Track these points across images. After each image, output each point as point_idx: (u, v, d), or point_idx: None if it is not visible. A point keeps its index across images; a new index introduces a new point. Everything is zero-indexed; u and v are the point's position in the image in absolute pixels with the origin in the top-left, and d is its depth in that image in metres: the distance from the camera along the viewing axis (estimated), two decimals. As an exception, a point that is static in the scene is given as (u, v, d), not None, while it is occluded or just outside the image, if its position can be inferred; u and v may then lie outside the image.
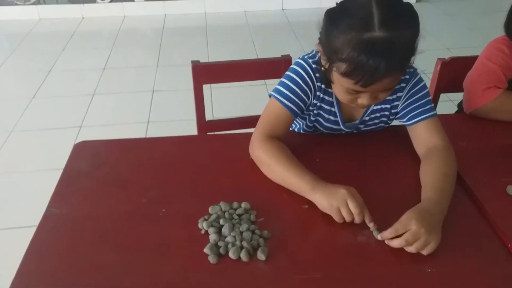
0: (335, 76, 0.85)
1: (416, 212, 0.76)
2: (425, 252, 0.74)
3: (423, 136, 0.96)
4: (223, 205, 0.83)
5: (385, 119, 1.03)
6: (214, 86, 2.44)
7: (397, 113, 1.01)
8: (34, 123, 2.29)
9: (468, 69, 1.20)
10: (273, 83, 1.05)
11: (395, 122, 1.07)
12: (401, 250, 0.76)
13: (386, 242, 0.76)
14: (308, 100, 0.97)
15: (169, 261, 0.74)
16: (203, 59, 1.30)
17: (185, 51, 3.09)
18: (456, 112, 1.42)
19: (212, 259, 0.74)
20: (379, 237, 0.76)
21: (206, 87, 1.30)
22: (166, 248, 0.76)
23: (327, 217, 0.82)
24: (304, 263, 0.74)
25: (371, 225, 0.80)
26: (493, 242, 0.78)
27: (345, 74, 0.81)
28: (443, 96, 1.42)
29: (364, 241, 0.78)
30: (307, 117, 1.02)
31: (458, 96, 1.39)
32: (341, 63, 0.80)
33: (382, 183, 0.92)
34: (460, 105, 1.40)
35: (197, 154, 0.99)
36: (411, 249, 0.74)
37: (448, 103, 2.02)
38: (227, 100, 2.41)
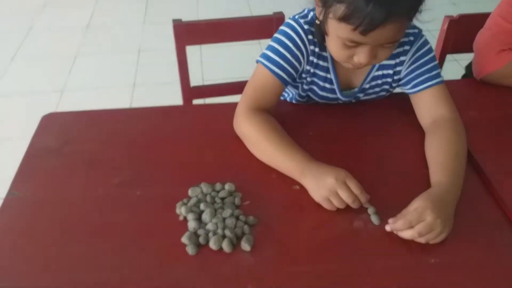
0: (331, 25, 0.74)
1: (430, 200, 0.67)
2: (433, 242, 0.67)
3: (429, 106, 0.86)
4: (204, 186, 0.75)
5: (387, 86, 0.92)
6: (205, 45, 2.30)
7: (400, 79, 0.90)
8: (12, 86, 2.17)
9: (479, 28, 1.08)
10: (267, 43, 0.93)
11: (397, 90, 0.96)
12: (401, 238, 0.68)
13: (394, 232, 0.68)
14: (300, 67, 0.86)
15: (142, 252, 0.66)
16: (192, 17, 1.17)
17: (174, 7, 2.90)
18: (463, 76, 1.30)
19: (190, 250, 0.66)
20: (388, 228, 0.68)
21: (195, 47, 1.17)
22: (139, 237, 0.68)
23: (320, 200, 0.73)
24: (293, 254, 0.66)
25: (369, 208, 0.71)
26: (503, 228, 0.70)
27: (342, 19, 0.70)
28: (448, 57, 1.31)
29: (360, 227, 0.70)
30: (300, 85, 0.91)
31: (466, 57, 1.27)
32: (339, 5, 0.70)
33: (383, 160, 0.83)
34: (468, 68, 1.28)
35: (177, 127, 0.89)
36: (420, 240, 0.66)
37: (453, 64, 1.89)
38: (220, 61, 2.27)
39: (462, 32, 1.24)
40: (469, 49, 1.28)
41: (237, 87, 1.25)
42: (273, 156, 0.78)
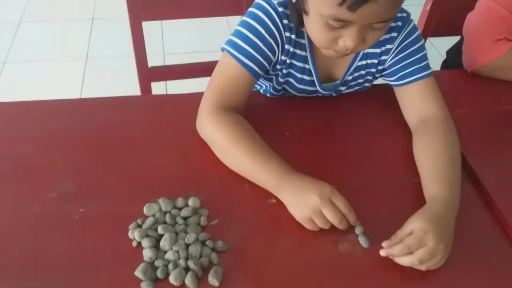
0: (312, 1, 0.62)
1: (430, 221, 0.58)
2: (434, 268, 0.58)
3: (416, 102, 0.76)
4: (163, 203, 0.62)
5: (370, 77, 0.81)
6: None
7: (383, 70, 0.80)
8: None
9: (464, 8, 0.98)
10: (236, 20, 0.79)
11: (379, 81, 0.86)
12: (394, 263, 0.59)
13: (390, 257, 0.59)
14: (274, 57, 0.73)
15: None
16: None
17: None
18: (443, 62, 1.22)
19: (146, 287, 0.54)
20: (382, 253, 0.58)
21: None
22: (81, 269, 0.55)
23: (300, 217, 0.63)
24: (271, 286, 0.56)
25: (357, 227, 0.62)
26: (504, 249, 0.63)
27: None
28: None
29: (347, 251, 0.60)
30: (274, 78, 0.79)
31: (446, 42, 1.18)
32: None
33: (369, 165, 0.73)
34: (449, 53, 1.20)
35: (131, 126, 0.75)
36: (420, 267, 0.57)
37: (431, 50, 1.82)
38: (183, 30, 2.08)
39: (445, 13, 1.14)
40: (452, 32, 1.20)
41: (203, 69, 1.11)
42: (244, 167, 0.66)
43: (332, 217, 0.59)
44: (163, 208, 0.62)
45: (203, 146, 0.71)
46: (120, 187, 0.65)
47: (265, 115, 0.79)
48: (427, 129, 0.73)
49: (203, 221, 0.61)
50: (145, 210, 0.61)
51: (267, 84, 0.82)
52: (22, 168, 0.66)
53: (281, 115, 0.79)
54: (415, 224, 0.58)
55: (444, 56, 1.22)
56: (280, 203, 0.64)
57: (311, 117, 0.80)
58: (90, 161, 0.68)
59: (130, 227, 0.60)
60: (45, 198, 0.63)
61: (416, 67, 0.76)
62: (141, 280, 0.54)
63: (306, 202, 0.60)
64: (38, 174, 0.66)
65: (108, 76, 1.84)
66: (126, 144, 0.71)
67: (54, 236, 0.59)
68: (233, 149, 0.66)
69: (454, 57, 1.14)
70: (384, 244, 0.59)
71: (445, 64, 1.20)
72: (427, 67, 0.77)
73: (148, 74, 1.09)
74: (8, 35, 2.04)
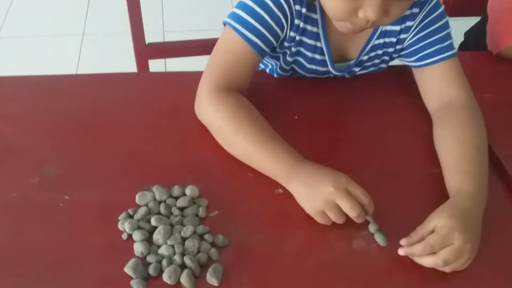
0: None
1: (456, 218, 0.52)
2: (459, 269, 0.52)
3: (438, 85, 0.69)
4: (157, 191, 0.56)
5: (387, 58, 0.74)
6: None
7: (402, 49, 0.72)
8: None
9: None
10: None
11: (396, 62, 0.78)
12: (413, 264, 0.53)
13: (410, 256, 0.52)
14: (282, 33, 0.66)
15: (70, 286, 0.48)
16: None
17: None
18: (461, 45, 1.14)
19: (136, 285, 0.48)
20: (401, 252, 0.52)
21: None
22: (65, 264, 0.49)
23: (310, 209, 0.57)
24: (275, 286, 0.50)
25: (371, 225, 0.55)
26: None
27: None
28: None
29: (362, 249, 0.54)
30: (281, 56, 0.71)
31: (464, 23, 1.11)
32: None
33: (385, 154, 0.66)
34: (468, 35, 1.12)
35: (124, 106, 0.68)
36: (445, 269, 0.51)
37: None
38: (183, 11, 1.99)
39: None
40: (472, 12, 1.12)
41: (205, 46, 1.02)
42: (249, 154, 0.59)
43: (349, 209, 0.53)
44: (158, 197, 0.55)
45: (204, 129, 0.64)
46: (110, 173, 0.59)
47: (271, 97, 0.72)
48: (449, 115, 0.66)
49: (201, 212, 0.55)
50: (137, 199, 0.55)
51: (274, 63, 0.75)
52: (1, 150, 0.60)
53: (289, 97, 0.72)
54: (439, 221, 0.52)
55: (462, 39, 1.14)
56: (288, 194, 0.58)
57: (321, 100, 0.73)
58: (78, 144, 0.62)
59: (120, 217, 0.53)
60: (26, 184, 0.56)
61: (439, 47, 0.68)
62: (131, 278, 0.48)
63: (318, 193, 0.54)
64: (19, 157, 0.59)
65: (105, 54, 1.76)
66: (118, 126, 0.65)
67: (35, 226, 0.53)
68: (236, 135, 0.59)
69: (473, 39, 1.06)
70: (403, 242, 0.53)
71: (463, 48, 1.13)
72: (450, 47, 0.69)
73: (145, 51, 1.01)
74: (1, 9, 1.95)
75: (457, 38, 1.16)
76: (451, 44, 0.70)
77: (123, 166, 0.60)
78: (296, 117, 0.69)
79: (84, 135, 0.63)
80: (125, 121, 0.65)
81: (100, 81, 0.72)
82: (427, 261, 0.51)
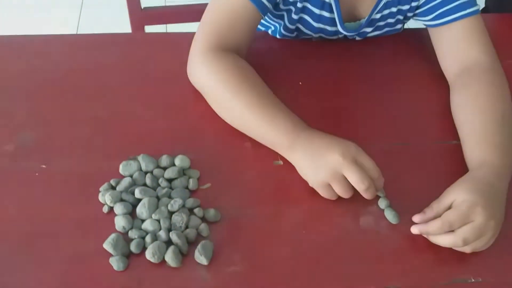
0: None
1: (478, 192, 0.46)
2: (481, 249, 0.46)
3: (458, 46, 0.62)
4: (143, 160, 0.50)
5: (401, 17, 0.67)
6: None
7: (417, 7, 0.65)
8: None
9: None
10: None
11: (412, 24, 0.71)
12: (427, 243, 0.47)
13: (424, 235, 0.47)
14: None
15: (43, 262, 0.43)
16: None
17: None
18: (482, 10, 1.06)
19: (116, 263, 0.43)
20: (415, 230, 0.47)
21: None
22: (38, 237, 0.45)
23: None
24: (272, 268, 0.45)
25: (381, 200, 0.50)
26: None
27: None
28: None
29: (370, 227, 0.49)
30: (285, 14, 0.64)
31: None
32: None
33: (397, 124, 0.60)
34: (489, 0, 1.03)
35: (109, 68, 0.61)
36: (465, 249, 0.46)
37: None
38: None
39: None
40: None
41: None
42: (247, 122, 0.53)
43: (357, 181, 0.47)
44: (143, 167, 0.50)
45: (197, 94, 0.58)
46: (92, 140, 0.53)
47: (274, 61, 0.65)
48: (471, 79, 0.59)
49: (192, 184, 0.49)
50: (121, 168, 0.50)
51: (277, 24, 0.68)
52: (-25, 113, 0.55)
53: (293, 60, 0.66)
54: (458, 195, 0.46)
55: (483, 5, 1.06)
56: (288, 165, 0.52)
57: (328, 65, 0.66)
58: (58, 108, 0.56)
59: (101, 188, 0.48)
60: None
61: (460, 2, 0.61)
62: (110, 255, 0.43)
63: (324, 162, 0.48)
64: (-7, 121, 0.54)
65: (105, 27, 1.69)
66: (102, 90, 0.59)
67: (7, 196, 0.48)
68: (233, 100, 0.53)
69: (496, 5, 0.98)
70: (416, 218, 0.47)
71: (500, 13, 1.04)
72: (473, 2, 0.62)
73: (140, 15, 0.94)
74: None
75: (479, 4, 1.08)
76: None
77: (107, 133, 0.54)
78: (300, 83, 0.62)
79: (64, 99, 0.57)
80: (110, 84, 0.59)
81: (83, 42, 0.66)
82: (444, 240, 0.45)
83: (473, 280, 0.45)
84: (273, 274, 0.44)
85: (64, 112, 0.56)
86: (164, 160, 0.51)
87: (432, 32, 0.65)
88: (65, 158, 0.51)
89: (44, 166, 0.50)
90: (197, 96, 0.58)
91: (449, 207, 0.46)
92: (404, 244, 0.48)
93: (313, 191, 0.50)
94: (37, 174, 0.50)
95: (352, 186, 0.48)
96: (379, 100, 0.63)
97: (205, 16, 0.59)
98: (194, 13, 0.99)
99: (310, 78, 0.64)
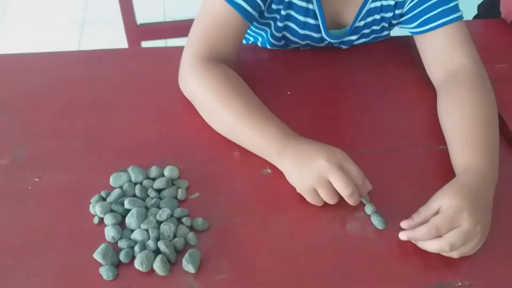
0: None
1: (464, 196, 0.46)
2: (468, 254, 0.47)
3: (442, 52, 0.63)
4: (133, 172, 0.51)
5: (386, 24, 0.68)
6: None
7: (401, 15, 0.66)
8: None
9: None
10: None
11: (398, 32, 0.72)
12: (414, 248, 0.48)
13: (412, 241, 0.47)
14: None
15: (35, 272, 0.44)
16: None
17: None
18: (474, 17, 1.07)
19: (105, 272, 0.44)
20: (403, 236, 0.47)
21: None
22: (29, 250, 0.46)
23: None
24: (259, 276, 0.45)
25: (367, 206, 0.50)
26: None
27: None
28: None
29: (357, 232, 0.49)
30: (272, 23, 0.66)
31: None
32: None
33: (384, 130, 0.61)
34: (482, 7, 1.05)
35: (100, 82, 0.63)
36: (452, 254, 0.46)
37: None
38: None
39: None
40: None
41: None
42: (237, 130, 0.54)
43: (341, 186, 0.48)
44: (133, 179, 0.51)
45: (185, 105, 0.59)
46: (84, 153, 0.55)
47: (263, 71, 0.67)
48: (455, 85, 0.60)
49: (180, 194, 0.50)
50: (112, 180, 0.51)
51: (263, 32, 0.70)
52: (-30, 129, 0.56)
53: (281, 70, 0.67)
54: (444, 200, 0.46)
55: (475, 12, 1.07)
56: (276, 174, 0.53)
57: (317, 73, 0.67)
58: (51, 123, 0.58)
59: (91, 200, 0.49)
60: (-6, 165, 0.53)
61: (443, 9, 0.62)
62: (100, 264, 0.44)
63: (310, 168, 0.49)
64: (-12, 136, 0.56)
65: (106, 42, 1.72)
66: (94, 105, 0.60)
67: (1, 209, 0.49)
68: (223, 109, 0.54)
69: (487, 12, 0.99)
70: (403, 224, 0.47)
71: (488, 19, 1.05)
72: (455, 8, 0.62)
73: (136, 31, 0.98)
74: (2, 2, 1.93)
75: (471, 11, 1.09)
76: (456, 6, 0.63)
77: (98, 146, 0.55)
78: (288, 93, 0.64)
79: (57, 113, 0.59)
80: (100, 98, 0.61)
81: (74, 58, 0.68)
82: (432, 246, 0.46)
83: (460, 284, 0.46)
84: (260, 281, 0.45)
85: (57, 126, 0.57)
86: (153, 171, 0.52)
87: (417, 39, 0.66)
88: (58, 171, 0.52)
89: (37, 179, 0.52)
90: (186, 108, 0.59)
91: (437, 212, 0.47)
92: (391, 249, 0.48)
93: (300, 199, 0.51)
94: (30, 187, 0.51)
95: (338, 193, 0.49)
96: (367, 107, 0.64)
97: (194, 27, 0.61)
98: (188, 28, 1.02)
99: (299, 88, 0.65)
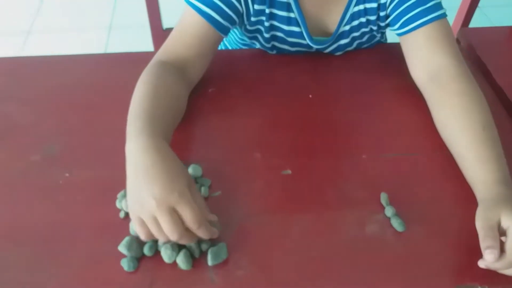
0: None
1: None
2: None
3: (422, 53, 0.62)
4: (158, 169, 0.53)
5: (374, 27, 0.67)
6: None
7: (387, 16, 0.65)
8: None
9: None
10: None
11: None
12: (433, 251, 0.48)
13: (495, 269, 0.46)
14: (241, 6, 0.62)
15: (63, 263, 0.46)
16: None
17: None
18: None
19: (126, 264, 0.45)
20: (482, 265, 0.46)
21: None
22: (57, 241, 0.48)
23: (321, 191, 0.53)
24: (279, 274, 0.46)
25: (387, 208, 0.51)
26: None
27: None
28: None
29: (376, 234, 0.49)
30: (258, 35, 0.67)
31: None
32: None
33: (405, 130, 0.61)
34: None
35: (127, 84, 0.65)
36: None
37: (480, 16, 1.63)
38: None
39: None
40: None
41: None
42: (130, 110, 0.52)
43: (167, 231, 0.43)
44: (158, 176, 0.53)
45: (210, 106, 0.61)
46: (112, 150, 0.56)
47: (270, 76, 0.68)
48: (441, 89, 0.59)
49: (203, 191, 0.52)
50: (137, 177, 0.53)
51: (257, 43, 0.71)
52: (4, 128, 0.59)
53: (303, 75, 0.68)
54: (505, 220, 0.46)
55: None
56: (296, 175, 0.54)
57: (335, 77, 0.68)
58: (81, 122, 0.60)
59: (118, 195, 0.51)
60: (27, 161, 0.55)
61: (421, 9, 0.61)
62: (125, 257, 0.46)
63: (141, 200, 0.44)
64: (22, 134, 0.58)
65: (132, 46, 1.77)
66: (121, 105, 0.62)
67: (32, 203, 0.51)
68: (135, 102, 0.53)
69: None
70: (489, 258, 0.44)
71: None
72: (435, 7, 0.61)
73: (163, 35, 1.00)
74: (32, 4, 2.01)
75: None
76: (437, 4, 0.61)
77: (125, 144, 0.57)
78: (310, 96, 0.65)
79: (87, 113, 0.61)
80: (127, 98, 0.62)
81: (104, 60, 0.71)
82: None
83: (479, 287, 0.45)
84: (279, 279, 0.46)
85: (86, 124, 0.60)
86: (178, 169, 0.53)
87: (401, 41, 0.65)
88: (87, 167, 0.55)
89: (67, 174, 0.54)
90: (211, 109, 0.61)
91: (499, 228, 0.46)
92: (410, 251, 0.48)
93: (320, 200, 0.52)
94: (60, 182, 0.53)
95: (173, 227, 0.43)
96: (387, 111, 0.64)
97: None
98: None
99: (321, 91, 0.66)
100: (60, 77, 0.67)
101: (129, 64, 0.69)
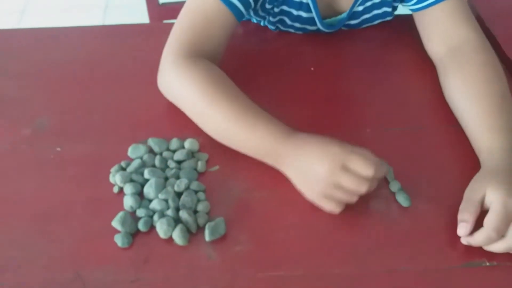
0: None
1: (506, 184, 0.44)
2: None
3: (444, 27, 0.60)
4: (154, 143, 0.51)
5: (389, 9, 0.65)
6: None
7: None
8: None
9: None
10: None
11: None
12: (440, 227, 0.46)
13: (475, 244, 0.44)
14: None
15: (56, 239, 0.44)
16: None
17: None
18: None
19: (120, 240, 0.43)
20: (464, 242, 0.45)
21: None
22: (51, 217, 0.46)
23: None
24: (279, 249, 0.44)
25: (392, 183, 0.49)
26: None
27: None
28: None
29: (380, 210, 0.48)
30: (266, 16, 0.64)
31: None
32: None
33: (410, 104, 0.58)
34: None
35: (122, 57, 0.63)
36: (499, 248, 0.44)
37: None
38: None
39: None
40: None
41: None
42: (227, 133, 0.50)
43: (356, 186, 0.44)
44: (155, 149, 0.51)
45: (208, 80, 0.58)
46: (105, 125, 0.54)
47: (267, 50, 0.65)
48: (463, 60, 0.57)
49: (200, 166, 0.50)
50: (130, 151, 0.50)
51: (259, 21, 0.68)
52: (-5, 99, 0.57)
53: (307, 49, 0.65)
54: (488, 195, 0.44)
55: None
56: (297, 150, 0.52)
57: (337, 52, 0.65)
58: (73, 95, 0.58)
59: (112, 170, 0.49)
60: (17, 135, 0.53)
61: None
62: (119, 232, 0.44)
63: (314, 178, 0.45)
64: (13, 108, 0.56)
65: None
66: (116, 78, 0.60)
67: (23, 177, 0.49)
68: (209, 109, 0.50)
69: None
70: (460, 233, 0.44)
71: None
72: None
73: (159, 11, 0.97)
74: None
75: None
76: None
77: (119, 118, 0.55)
78: (312, 69, 0.62)
79: (79, 87, 0.59)
80: (123, 72, 0.61)
81: (96, 33, 0.67)
82: (498, 248, 0.44)
83: (488, 263, 0.44)
84: (280, 254, 0.44)
85: (79, 98, 0.57)
86: (174, 143, 0.51)
87: (417, 17, 0.63)
88: (79, 141, 0.53)
89: (59, 149, 0.52)
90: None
91: (482, 202, 0.45)
92: (416, 227, 0.46)
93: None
94: (52, 156, 0.51)
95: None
96: (392, 85, 0.61)
97: (179, 20, 0.56)
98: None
99: (323, 64, 0.63)
100: (51, 50, 0.64)
101: (123, 37, 0.67)
